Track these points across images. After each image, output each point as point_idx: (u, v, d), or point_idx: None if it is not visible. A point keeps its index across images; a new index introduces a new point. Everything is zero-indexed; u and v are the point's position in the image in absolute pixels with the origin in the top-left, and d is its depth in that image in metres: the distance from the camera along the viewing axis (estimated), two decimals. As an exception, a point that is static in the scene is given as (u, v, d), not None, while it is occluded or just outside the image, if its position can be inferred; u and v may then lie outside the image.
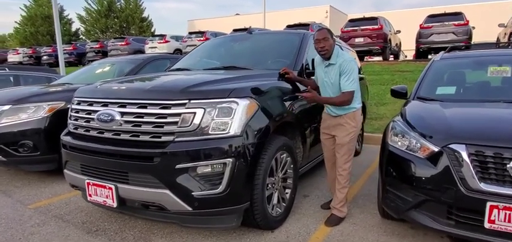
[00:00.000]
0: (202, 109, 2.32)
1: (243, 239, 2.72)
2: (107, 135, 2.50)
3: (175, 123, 2.31)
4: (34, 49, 23.23)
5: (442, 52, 3.99)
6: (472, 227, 2.12)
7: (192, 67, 3.85)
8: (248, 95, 2.51)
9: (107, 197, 2.44)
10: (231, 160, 2.32)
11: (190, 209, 2.30)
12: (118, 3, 34.61)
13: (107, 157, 2.42)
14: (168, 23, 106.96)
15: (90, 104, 2.66)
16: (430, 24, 12.29)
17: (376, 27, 12.83)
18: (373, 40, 12.66)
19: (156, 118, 2.35)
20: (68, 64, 19.57)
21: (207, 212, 2.38)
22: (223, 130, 2.35)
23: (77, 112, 2.75)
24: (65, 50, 20.67)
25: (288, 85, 3.16)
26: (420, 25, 12.68)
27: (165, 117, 2.33)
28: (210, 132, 2.33)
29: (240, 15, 39.85)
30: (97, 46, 19.84)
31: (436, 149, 2.28)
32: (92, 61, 18.57)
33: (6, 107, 3.93)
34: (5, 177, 4.30)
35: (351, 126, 2.94)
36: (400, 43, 16.19)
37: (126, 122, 2.42)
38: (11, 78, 8.32)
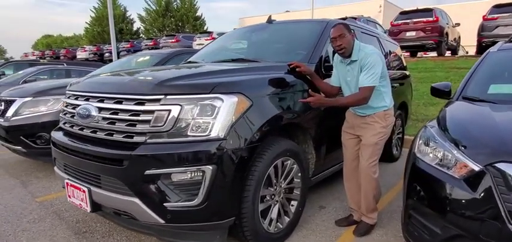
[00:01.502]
0: (179, 107, 1.93)
1: (234, 257, 2.30)
2: (85, 132, 2.23)
3: (148, 121, 1.95)
4: (98, 47, 24.93)
5: (502, 42, 3.15)
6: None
7: (202, 60, 3.50)
8: (237, 91, 2.06)
9: (82, 201, 2.18)
10: (210, 167, 1.90)
11: (162, 221, 1.94)
12: (174, 3, 35.89)
13: (83, 156, 2.15)
14: (223, 21, 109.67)
15: (76, 98, 2.42)
16: (495, 15, 10.61)
17: (431, 19, 11.43)
18: (426, 34, 11.30)
19: (129, 115, 2.01)
20: (126, 60, 20.69)
21: (182, 227, 2.00)
22: (204, 131, 1.94)
23: (66, 106, 2.53)
24: (123, 47, 21.94)
25: (300, 80, 2.65)
26: (483, 16, 11.03)
27: (138, 115, 1.98)
28: (188, 134, 1.94)
29: (290, 12, 39.09)
30: (151, 43, 20.62)
31: (477, 168, 1.64)
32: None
33: (27, 99, 3.94)
34: (33, 167, 4.36)
35: (380, 126, 2.53)
36: (460, 37, 14.37)
37: (103, 119, 2.13)
38: (64, 72, 8.83)
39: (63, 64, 10.21)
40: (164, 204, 1.91)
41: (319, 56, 2.94)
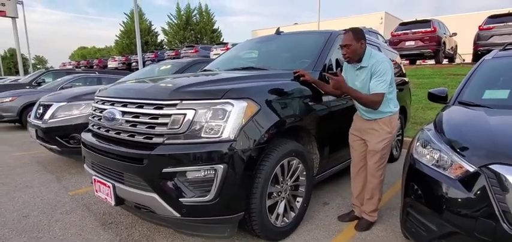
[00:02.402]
0: (193, 111, 1.93)
1: (244, 248, 2.28)
2: (111, 133, 2.25)
3: (166, 124, 1.95)
4: (126, 57, 25.38)
5: (497, 50, 3.03)
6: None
7: (217, 68, 3.50)
8: (246, 96, 2.05)
9: (107, 195, 2.19)
10: (222, 166, 1.89)
11: (178, 215, 1.93)
12: (194, 18, 36.25)
13: (108, 155, 2.17)
14: (237, 33, 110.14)
15: (103, 103, 2.45)
16: (491, 25, 10.28)
17: (429, 29, 11.15)
18: (425, 43, 11.03)
19: (149, 118, 2.02)
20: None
21: (195, 220, 1.99)
22: (216, 133, 1.93)
23: (95, 110, 2.57)
24: (149, 57, 22.26)
25: (304, 87, 2.61)
26: (479, 26, 10.70)
27: (157, 118, 1.99)
28: (201, 135, 1.93)
29: (298, 24, 38.91)
30: (173, 54, 20.84)
31: (471, 169, 1.58)
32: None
33: (62, 104, 4.03)
34: (67, 164, 4.45)
35: (385, 132, 2.43)
36: (456, 46, 13.98)
37: (126, 122, 2.14)
38: (95, 80, 9.02)
39: (95, 73, 10.45)
40: (180, 199, 1.90)
41: (322, 64, 2.89)
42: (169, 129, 1.94)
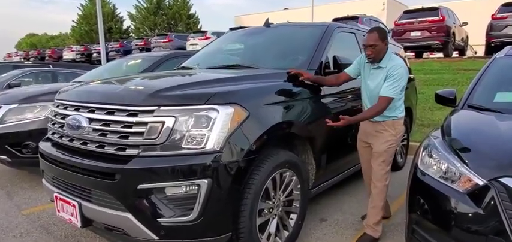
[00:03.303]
0: (173, 118, 1.98)
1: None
2: (76, 144, 2.26)
3: (141, 133, 1.99)
4: (86, 46, 24.92)
5: (509, 47, 3.22)
6: None
7: (197, 65, 3.55)
8: (234, 101, 2.11)
9: (72, 215, 2.21)
10: (206, 181, 1.95)
11: (155, 238, 1.98)
12: (166, 1, 35.99)
13: (73, 169, 2.19)
14: (218, 19, 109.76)
15: (65, 107, 2.46)
16: (505, 14, 10.74)
17: (436, 18, 11.55)
18: (432, 34, 11.41)
19: (121, 127, 2.05)
20: (116, 61, 20.72)
21: (176, 243, 2.04)
22: (199, 144, 1.98)
23: (55, 115, 2.57)
24: (112, 47, 21.96)
25: (300, 88, 2.70)
26: (492, 15, 11.17)
27: (131, 126, 2.02)
28: (182, 146, 1.98)
29: (288, 10, 39.29)
30: (141, 43, 20.65)
31: (481, 182, 1.70)
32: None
33: (13, 106, 3.97)
34: (19, 177, 4.38)
35: (389, 134, 2.70)
36: (467, 37, 14.51)
37: (94, 130, 2.17)
38: (49, 75, 8.83)
39: (49, 67, 10.24)
40: (158, 219, 1.95)
41: (318, 61, 2.99)
42: (146, 139, 1.98)
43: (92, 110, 2.22)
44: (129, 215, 1.96)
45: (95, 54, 22.61)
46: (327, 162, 2.98)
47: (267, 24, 3.79)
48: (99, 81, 2.84)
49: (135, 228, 1.97)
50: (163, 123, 1.97)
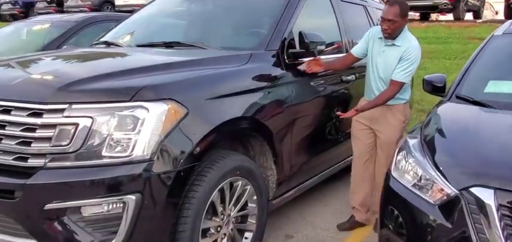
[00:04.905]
0: (90, 119, 2.14)
1: None
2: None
3: (49, 139, 2.14)
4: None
5: (510, 22, 3.62)
6: None
7: (123, 40, 3.69)
8: (168, 96, 2.30)
9: (-42, 245, 2.33)
10: (133, 197, 2.14)
11: (70, 271, 2.16)
12: None
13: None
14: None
15: None
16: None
17: (445, -29, 12.18)
18: (440, -9, 12.06)
19: (21, 130, 2.18)
20: (13, 18, 19.92)
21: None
22: (124, 151, 2.17)
23: None
24: (10, -3, 21.09)
25: (254, 75, 2.94)
26: (514, -32, 11.96)
27: (34, 130, 2.16)
28: (103, 154, 2.15)
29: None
30: (49, -5, 19.98)
31: (451, 192, 2.02)
32: (44, 14, 18.81)
33: None
34: None
35: (400, 121, 3.32)
36: (485, -6, 15.40)
37: (-15, 134, 2.28)
38: None
39: None
40: (73, 247, 2.13)
41: (280, 38, 3.22)
42: (54, 145, 2.12)
43: (-19, 107, 2.33)
44: (35, 244, 2.13)
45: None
46: (292, 165, 3.26)
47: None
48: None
49: (43, 260, 2.14)
50: (77, 125, 2.12)
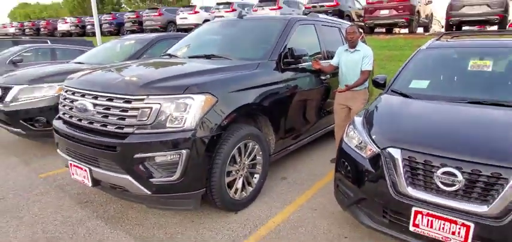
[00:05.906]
0: (159, 105, 2.46)
1: (208, 217, 2.91)
2: (83, 122, 2.74)
3: (135, 116, 2.47)
4: (79, 19, 24.39)
5: (433, 39, 3.74)
6: (400, 228, 2.14)
7: (180, 53, 3.97)
8: (206, 91, 2.60)
9: (84, 178, 2.72)
10: (185, 151, 2.46)
11: (149, 193, 2.51)
12: (156, -27, 34.98)
13: (83, 143, 2.67)
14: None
15: (73, 93, 2.90)
16: (462, -6, 11.20)
17: (403, -2, 11.94)
18: (399, 12, 11.85)
19: (119, 111, 2.53)
20: (109, 33, 20.49)
21: (164, 197, 2.58)
22: (179, 123, 2.48)
23: (65, 99, 3.01)
24: (105, 19, 21.61)
25: (260, 77, 3.19)
26: (452, -5, 11.60)
27: (127, 111, 2.50)
28: (167, 125, 2.47)
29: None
30: (134, 16, 20.40)
31: (376, 151, 2.27)
32: (130, 31, 19.19)
33: (24, 86, 4.35)
34: (31, 147, 4.82)
35: (363, 100, 3.81)
36: (432, 14, 14.97)
37: (98, 113, 2.64)
38: (48, 51, 8.99)
39: (47, 42, 10.33)
40: (150, 180, 2.47)
41: (279, 52, 3.46)
42: (138, 120, 2.46)
43: (95, 97, 2.68)
44: (129, 177, 2.48)
45: (88, 26, 22.25)
46: (285, 133, 3.53)
47: (240, 16, 4.22)
48: (98, 69, 3.26)
49: (133, 186, 2.50)
50: (151, 108, 2.45)
